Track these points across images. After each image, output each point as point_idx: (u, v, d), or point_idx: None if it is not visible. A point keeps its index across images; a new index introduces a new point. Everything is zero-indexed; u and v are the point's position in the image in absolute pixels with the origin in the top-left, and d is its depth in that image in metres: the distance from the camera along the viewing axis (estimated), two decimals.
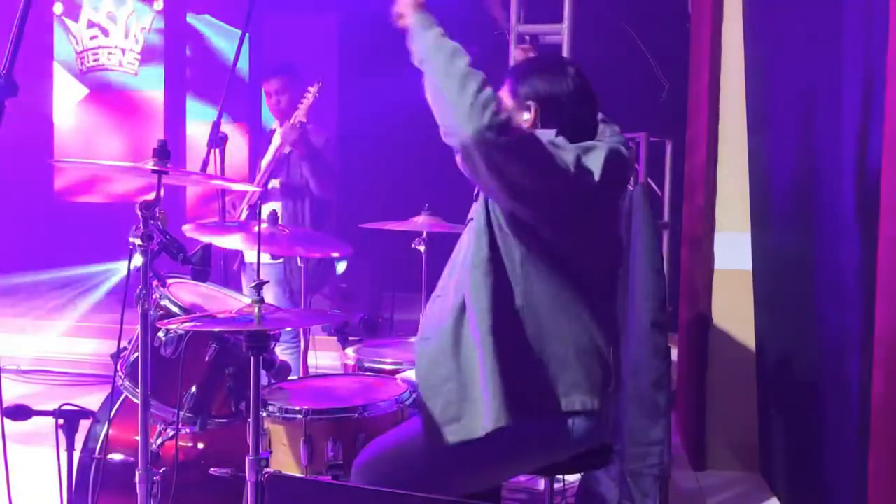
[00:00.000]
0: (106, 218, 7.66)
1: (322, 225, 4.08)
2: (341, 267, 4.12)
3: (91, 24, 8.00)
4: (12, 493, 2.27)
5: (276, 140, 4.11)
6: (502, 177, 1.95)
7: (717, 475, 3.73)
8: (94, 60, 8.04)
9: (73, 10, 8.02)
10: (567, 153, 2.01)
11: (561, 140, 2.07)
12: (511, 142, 1.91)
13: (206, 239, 2.74)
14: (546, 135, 2.07)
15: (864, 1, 2.42)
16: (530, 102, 2.15)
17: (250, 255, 4.01)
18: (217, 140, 3.36)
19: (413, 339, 3.25)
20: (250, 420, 2.06)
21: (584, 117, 2.18)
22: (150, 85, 7.90)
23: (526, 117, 2.15)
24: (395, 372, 2.73)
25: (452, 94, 1.99)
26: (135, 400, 2.39)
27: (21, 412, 2.20)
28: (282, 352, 4.02)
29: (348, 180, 6.58)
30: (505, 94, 2.20)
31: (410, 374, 2.60)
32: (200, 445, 2.63)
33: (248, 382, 2.06)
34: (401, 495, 2.03)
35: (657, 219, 4.29)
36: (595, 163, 2.04)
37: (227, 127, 3.45)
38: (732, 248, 3.80)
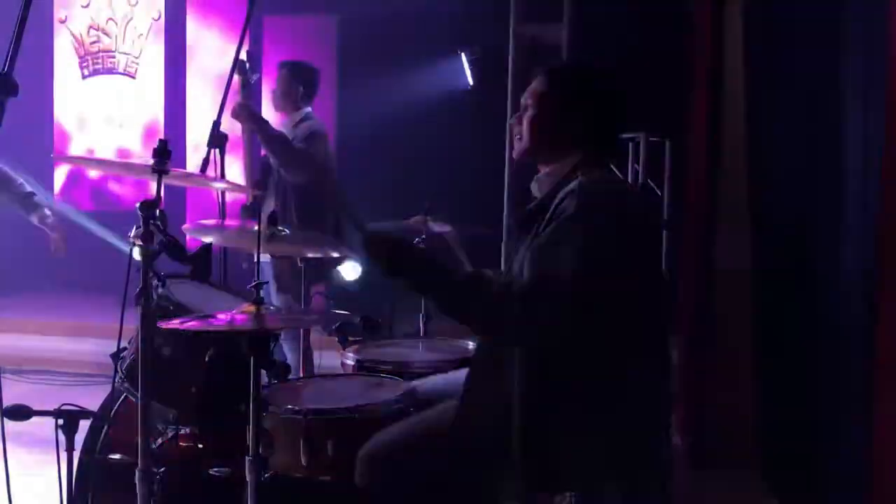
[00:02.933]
0: (106, 219, 7.66)
1: (312, 223, 4.05)
2: (347, 271, 4.11)
3: (92, 28, 8.00)
4: (12, 494, 2.27)
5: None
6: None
7: (717, 475, 3.73)
8: (95, 63, 8.03)
9: (74, 14, 8.02)
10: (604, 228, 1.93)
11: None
12: (565, 324, 1.89)
13: (206, 239, 2.74)
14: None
15: (865, 0, 2.42)
16: (579, 107, 2.09)
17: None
18: (217, 140, 3.35)
19: (414, 340, 3.26)
20: (250, 420, 2.06)
21: (612, 131, 2.18)
22: (150, 85, 7.90)
23: (575, 120, 2.09)
24: (395, 372, 2.73)
25: (487, 334, 2.02)
26: (134, 400, 2.39)
27: (21, 412, 2.20)
28: (288, 350, 4.02)
29: (348, 180, 6.58)
30: (536, 81, 2.14)
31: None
32: (200, 445, 2.62)
33: (248, 382, 2.06)
34: (400, 496, 2.03)
35: (657, 219, 4.29)
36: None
37: (227, 126, 3.44)
38: (732, 248, 3.79)
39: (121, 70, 7.98)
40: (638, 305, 2.01)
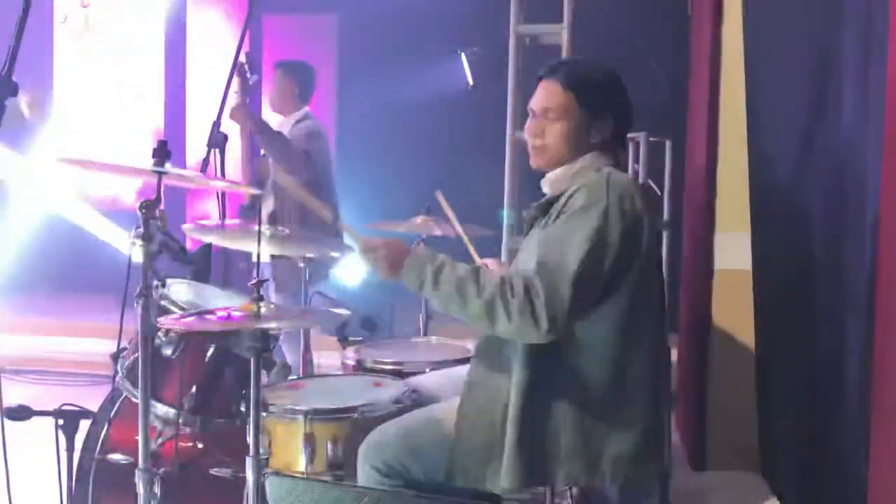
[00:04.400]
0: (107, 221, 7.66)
1: (310, 222, 4.05)
2: (347, 275, 4.07)
3: (92, 28, 8.00)
4: (12, 494, 2.27)
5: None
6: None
7: (717, 475, 3.72)
8: (95, 63, 8.03)
9: (74, 14, 8.01)
10: (613, 226, 1.97)
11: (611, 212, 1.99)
12: (571, 319, 1.92)
13: (206, 239, 2.74)
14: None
15: (865, 0, 2.42)
16: (607, 114, 2.14)
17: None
18: (217, 140, 3.36)
19: (414, 340, 3.26)
20: (250, 420, 2.06)
21: (623, 131, 2.22)
22: (150, 85, 7.90)
23: (605, 126, 2.14)
24: (395, 372, 2.73)
25: (490, 329, 1.98)
26: (134, 400, 2.39)
27: (21, 412, 2.20)
28: (288, 350, 4.02)
29: (348, 180, 6.58)
30: (555, 90, 2.15)
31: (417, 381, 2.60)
32: (200, 445, 2.62)
33: (248, 382, 2.06)
34: (401, 494, 2.03)
35: (657, 219, 4.30)
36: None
37: (227, 127, 3.44)
38: (732, 248, 3.79)
39: (121, 70, 7.98)
40: (637, 299, 2.05)
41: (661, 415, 2.13)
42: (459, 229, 2.80)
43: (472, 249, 2.73)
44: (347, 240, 2.29)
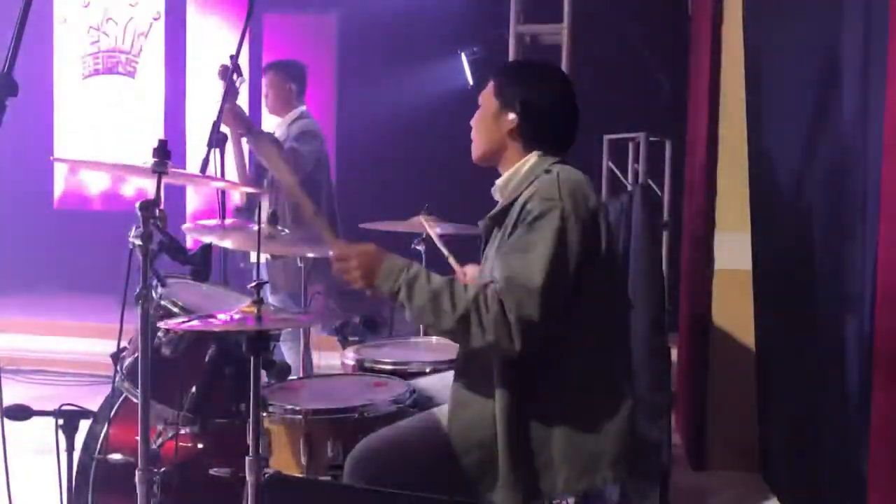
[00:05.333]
0: (107, 221, 7.67)
1: (305, 223, 4.05)
2: None
3: (92, 28, 8.00)
4: (12, 494, 2.27)
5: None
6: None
7: (717, 475, 3.73)
8: (95, 63, 8.03)
9: (74, 14, 8.01)
10: (572, 229, 1.97)
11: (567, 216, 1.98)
12: (544, 325, 1.91)
13: (206, 239, 2.74)
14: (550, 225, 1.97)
15: (864, 0, 2.42)
16: (516, 105, 2.14)
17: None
18: (217, 140, 3.35)
19: (414, 340, 3.26)
20: (250, 420, 2.06)
21: (566, 131, 2.18)
22: (151, 86, 7.90)
23: (511, 118, 2.14)
24: (396, 372, 2.73)
25: (463, 342, 1.99)
26: (135, 400, 2.39)
27: (21, 412, 2.20)
28: (287, 350, 4.02)
29: (348, 180, 6.58)
30: (488, 94, 2.20)
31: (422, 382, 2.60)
32: (200, 445, 2.62)
33: (248, 382, 2.06)
34: (399, 495, 2.03)
35: (657, 219, 4.29)
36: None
37: (227, 127, 3.44)
38: (732, 248, 3.80)
39: (121, 70, 7.98)
40: (605, 293, 2.06)
41: (632, 413, 2.11)
42: (440, 244, 2.83)
43: (452, 261, 2.76)
44: (324, 238, 2.27)
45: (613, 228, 2.12)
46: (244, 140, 3.93)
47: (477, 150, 2.23)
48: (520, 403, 2.02)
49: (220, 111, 3.24)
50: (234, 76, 3.85)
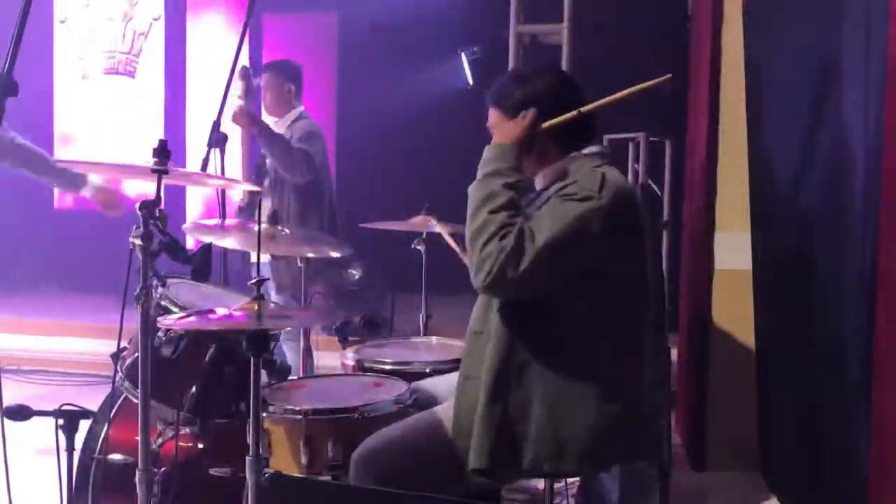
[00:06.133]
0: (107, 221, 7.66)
1: (309, 222, 4.06)
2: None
3: (92, 27, 8.00)
4: (12, 494, 2.27)
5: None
6: (539, 295, 2.01)
7: (717, 475, 3.73)
8: (95, 63, 8.03)
9: (74, 14, 8.01)
10: (593, 204, 1.98)
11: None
12: (520, 287, 1.95)
13: (206, 239, 2.74)
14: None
15: (864, 0, 2.42)
16: (524, 111, 2.14)
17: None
18: (217, 140, 3.36)
19: (414, 340, 3.27)
20: (250, 420, 2.06)
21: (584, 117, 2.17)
22: (151, 86, 7.90)
23: (525, 117, 2.14)
24: (396, 372, 2.73)
25: (468, 243, 2.03)
26: (134, 400, 2.39)
27: (21, 412, 2.20)
28: (288, 350, 4.02)
29: (348, 180, 6.58)
30: (497, 119, 2.21)
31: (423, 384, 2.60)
32: (200, 445, 2.62)
33: (248, 382, 2.06)
34: (400, 495, 2.03)
35: (657, 219, 4.29)
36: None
37: (227, 127, 3.44)
38: (732, 248, 3.79)
39: (121, 70, 7.98)
40: (615, 297, 2.07)
41: (638, 408, 2.12)
42: (452, 243, 2.83)
43: (466, 260, 2.77)
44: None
45: (649, 245, 2.13)
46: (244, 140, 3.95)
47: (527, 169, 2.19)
48: (509, 370, 2.04)
49: (221, 108, 3.25)
50: (251, 77, 3.88)
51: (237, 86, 3.86)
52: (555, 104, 2.13)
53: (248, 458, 2.05)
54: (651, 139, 4.26)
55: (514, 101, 2.16)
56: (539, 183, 2.21)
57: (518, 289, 1.97)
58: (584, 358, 2.06)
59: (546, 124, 2.12)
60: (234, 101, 3.77)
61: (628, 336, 2.12)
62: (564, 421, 2.03)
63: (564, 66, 4.20)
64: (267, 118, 4.25)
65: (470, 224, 2.02)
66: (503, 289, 1.97)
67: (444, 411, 2.21)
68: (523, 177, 2.08)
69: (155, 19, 7.91)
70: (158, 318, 2.27)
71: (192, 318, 2.21)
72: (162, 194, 2.10)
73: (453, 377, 2.58)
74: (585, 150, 2.19)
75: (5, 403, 2.08)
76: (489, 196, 2.00)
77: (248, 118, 3.90)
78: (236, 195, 4.25)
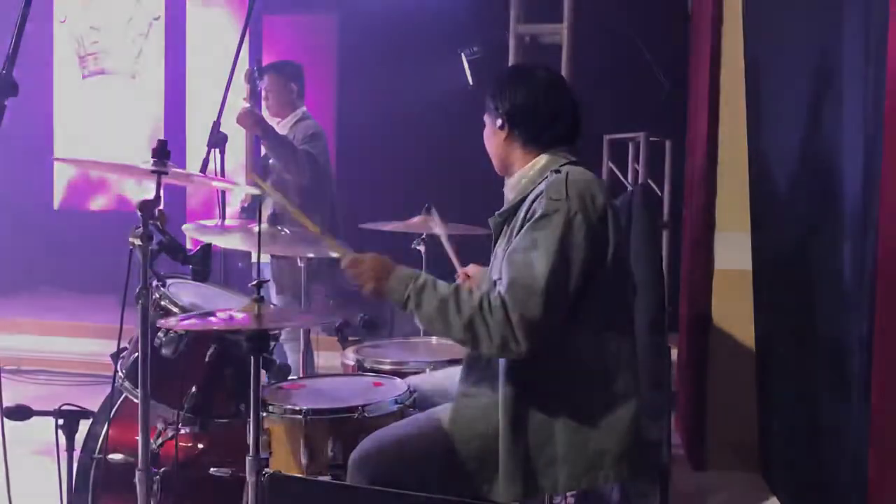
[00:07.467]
0: (107, 221, 7.67)
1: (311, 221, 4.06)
2: None
3: (92, 27, 8.00)
4: (12, 494, 2.27)
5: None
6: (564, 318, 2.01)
7: (717, 475, 3.73)
8: (95, 63, 8.03)
9: (74, 14, 8.01)
10: (578, 230, 1.98)
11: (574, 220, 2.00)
12: (550, 318, 1.94)
13: (206, 239, 2.74)
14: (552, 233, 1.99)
15: (864, 0, 2.42)
16: (501, 112, 2.17)
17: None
18: (217, 140, 3.36)
19: (414, 340, 3.26)
20: (250, 420, 2.06)
21: (559, 126, 2.18)
22: (151, 86, 7.90)
23: (500, 124, 2.17)
24: (396, 372, 2.73)
25: (474, 349, 2.03)
26: (134, 400, 2.39)
27: (21, 412, 2.20)
28: (288, 350, 4.02)
29: (348, 180, 6.57)
30: (490, 121, 2.23)
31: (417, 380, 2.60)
32: (200, 445, 2.63)
33: (248, 382, 2.06)
34: (401, 495, 2.03)
35: (657, 219, 4.29)
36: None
37: (227, 127, 3.44)
38: (732, 248, 3.80)
39: (121, 70, 7.98)
40: (612, 293, 2.07)
41: (651, 405, 2.14)
42: (447, 245, 2.85)
43: (455, 260, 2.78)
44: (333, 253, 2.30)
45: (623, 229, 2.13)
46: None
47: (494, 163, 2.27)
48: (524, 396, 2.03)
49: (221, 108, 3.25)
50: (257, 79, 3.89)
51: (243, 88, 3.87)
52: (524, 118, 2.16)
53: (248, 458, 2.05)
54: (651, 139, 4.27)
55: (495, 104, 2.20)
56: (508, 192, 2.22)
57: (549, 322, 1.95)
58: (592, 366, 2.06)
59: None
60: (235, 102, 3.78)
61: (620, 323, 2.12)
62: (590, 434, 2.04)
63: (564, 66, 4.21)
64: (269, 119, 4.25)
65: (456, 334, 1.99)
66: (539, 333, 1.94)
67: (443, 412, 2.21)
68: (418, 271, 2.09)
69: (155, 19, 7.91)
70: (158, 320, 2.27)
71: (192, 320, 2.21)
72: (162, 194, 2.10)
73: (449, 373, 2.59)
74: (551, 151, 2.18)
75: (5, 403, 2.08)
76: (440, 307, 1.98)
77: (254, 120, 3.91)
78: (240, 195, 4.25)
